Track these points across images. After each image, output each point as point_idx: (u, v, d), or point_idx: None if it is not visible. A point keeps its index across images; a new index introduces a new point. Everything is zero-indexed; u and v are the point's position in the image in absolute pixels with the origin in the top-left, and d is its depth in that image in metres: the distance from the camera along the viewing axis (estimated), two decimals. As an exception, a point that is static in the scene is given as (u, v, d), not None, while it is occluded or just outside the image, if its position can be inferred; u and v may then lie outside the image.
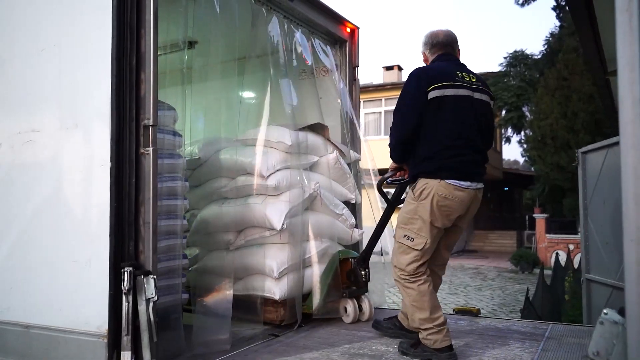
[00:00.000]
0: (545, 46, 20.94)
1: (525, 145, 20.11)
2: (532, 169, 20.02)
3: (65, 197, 2.77)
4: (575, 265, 11.23)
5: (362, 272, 3.79)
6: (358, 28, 4.75)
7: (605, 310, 1.47)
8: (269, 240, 3.76)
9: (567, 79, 17.49)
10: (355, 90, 4.78)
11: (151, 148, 2.64)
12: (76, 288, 2.67)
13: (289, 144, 3.77)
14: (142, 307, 2.47)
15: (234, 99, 4.22)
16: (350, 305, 3.80)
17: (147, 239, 2.62)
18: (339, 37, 4.64)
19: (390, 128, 3.01)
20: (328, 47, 4.49)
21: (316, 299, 3.74)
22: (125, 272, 2.49)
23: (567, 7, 19.73)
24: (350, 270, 3.84)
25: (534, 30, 55.25)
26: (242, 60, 4.03)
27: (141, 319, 2.47)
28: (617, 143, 4.52)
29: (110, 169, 2.57)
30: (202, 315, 3.28)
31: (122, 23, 2.62)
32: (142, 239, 2.63)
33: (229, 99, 4.22)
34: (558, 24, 21.06)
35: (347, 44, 4.71)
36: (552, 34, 20.64)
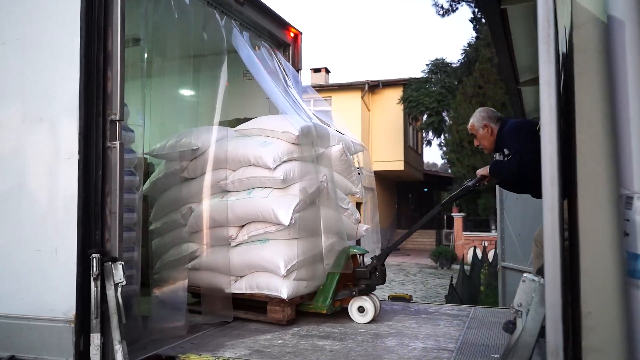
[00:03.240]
0: (463, 55, 22.19)
1: (444, 148, 21.23)
2: (450, 170, 21.18)
3: (29, 189, 2.84)
4: (490, 259, 12.15)
5: (382, 269, 3.69)
6: (301, 33, 5.03)
7: (525, 274, 1.84)
8: (274, 235, 3.62)
9: (482, 87, 18.70)
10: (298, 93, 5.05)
11: (117, 142, 2.79)
12: (42, 277, 2.75)
13: (296, 134, 3.60)
14: (110, 292, 2.62)
15: (186, 95, 4.34)
16: (369, 303, 3.62)
17: (114, 228, 2.76)
18: (283, 41, 4.90)
19: (516, 161, 3.18)
20: (273, 49, 4.72)
21: (325, 298, 3.64)
22: (94, 259, 2.62)
23: (483, 21, 21.06)
24: (361, 267, 3.74)
25: (454, 39, 58.07)
26: (195, 58, 4.16)
27: (110, 302, 2.61)
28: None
29: (78, 161, 2.69)
30: (159, 304, 3.41)
31: (91, 22, 2.74)
32: (108, 228, 2.77)
33: (181, 95, 4.33)
34: (475, 35, 22.43)
35: (291, 47, 4.98)
36: (469, 45, 21.90)
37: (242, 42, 4.04)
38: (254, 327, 3.51)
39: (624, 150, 1.47)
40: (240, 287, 3.66)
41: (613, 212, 1.51)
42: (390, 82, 23.15)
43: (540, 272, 1.68)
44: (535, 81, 9.36)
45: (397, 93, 22.63)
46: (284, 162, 3.63)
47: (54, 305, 2.69)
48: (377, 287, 3.82)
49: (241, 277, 3.70)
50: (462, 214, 20.14)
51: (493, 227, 19.57)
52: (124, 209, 2.99)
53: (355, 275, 3.73)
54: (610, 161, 1.52)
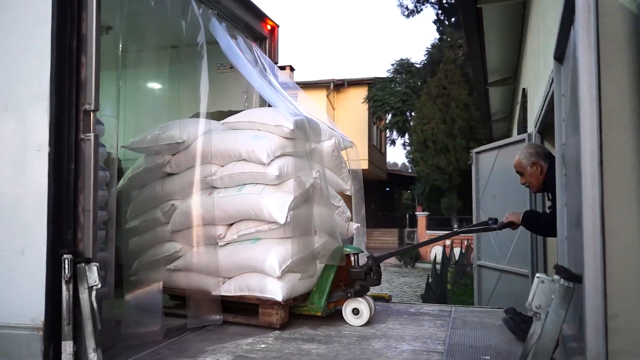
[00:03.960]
0: (427, 56, 22.46)
1: (408, 148, 21.43)
2: (414, 169, 21.39)
3: (-9, 183, 2.60)
4: (457, 258, 12.29)
5: (377, 270, 3.55)
6: (278, 26, 4.88)
7: (539, 274, 1.76)
8: (266, 234, 3.42)
9: (446, 88, 18.95)
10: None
11: (92, 134, 2.59)
12: (7, 280, 2.53)
13: (290, 128, 3.40)
14: (84, 296, 2.42)
15: (162, 87, 4.13)
16: (364, 305, 3.47)
17: (87, 227, 2.56)
18: (260, 33, 4.74)
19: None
20: (250, 42, 4.56)
21: (319, 300, 3.46)
22: (66, 260, 2.42)
23: (447, 23, 21.35)
24: (356, 268, 3.58)
25: (418, 40, 58.84)
26: (172, 48, 3.98)
27: (83, 307, 2.41)
28: (507, 144, 5.13)
29: (49, 154, 2.48)
30: (133, 308, 3.21)
31: (63, 4, 2.53)
32: (81, 226, 2.57)
33: (157, 87, 4.12)
34: (438, 36, 22.75)
35: (267, 41, 4.82)
36: (433, 46, 22.18)
37: (221, 31, 3.86)
38: (234, 331, 3.35)
39: (656, 145, 1.40)
40: (229, 289, 3.44)
41: (643, 211, 1.43)
42: (356, 81, 23.19)
43: (559, 271, 1.60)
44: (502, 82, 9.51)
45: (362, 92, 22.68)
46: (277, 157, 3.44)
47: (21, 310, 2.47)
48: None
49: (229, 278, 3.50)
50: (426, 213, 20.35)
51: (455, 226, 19.85)
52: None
53: (349, 276, 3.57)
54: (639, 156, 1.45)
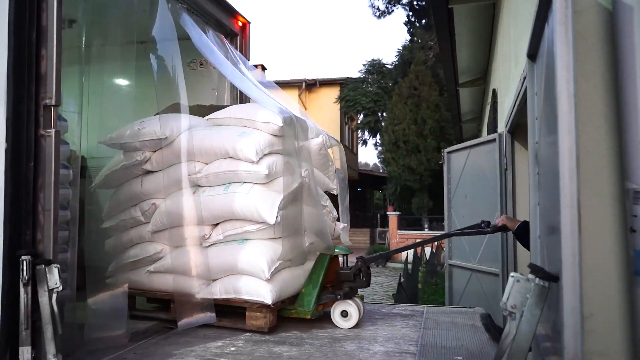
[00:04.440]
0: (397, 57, 22.63)
1: (380, 148, 21.53)
2: (386, 169, 21.49)
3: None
4: (427, 258, 12.38)
5: (367, 272, 3.45)
6: (249, 23, 4.80)
7: (513, 273, 1.73)
8: (254, 235, 3.29)
9: (417, 89, 19.09)
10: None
11: (53, 130, 2.48)
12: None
13: (279, 125, 3.28)
14: (44, 299, 2.31)
15: (128, 83, 4.00)
16: (353, 307, 3.38)
17: (47, 227, 2.45)
18: (231, 29, 4.65)
19: None
20: (221, 36, 4.46)
21: (308, 302, 3.35)
22: (24, 262, 2.30)
23: (417, 25, 21.54)
24: (345, 269, 3.50)
25: (390, 41, 59.37)
26: (139, 44, 3.85)
27: (43, 311, 2.30)
28: (478, 144, 5.16)
29: (6, 150, 2.35)
30: (97, 311, 3.09)
31: (22, -7, 2.41)
32: (40, 227, 2.45)
33: (124, 83, 3.99)
34: (409, 38, 22.93)
35: (238, 37, 4.74)
36: (404, 47, 22.34)
37: (193, 26, 3.75)
38: (203, 333, 3.26)
39: (631, 142, 1.39)
40: (214, 291, 3.28)
41: (618, 209, 1.43)
42: (328, 81, 23.20)
43: (534, 271, 1.58)
44: (472, 83, 9.61)
45: (334, 92, 22.70)
46: (265, 155, 3.31)
47: (-26, 315, 2.34)
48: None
49: (214, 280, 3.34)
50: (397, 213, 20.46)
51: (426, 226, 20.04)
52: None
53: (338, 278, 3.47)
54: (615, 154, 1.43)
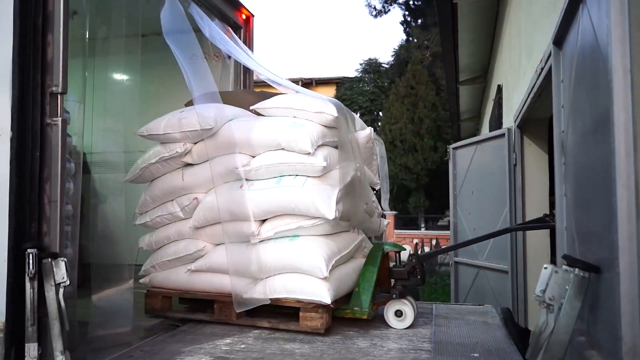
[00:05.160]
0: (394, 57, 22.62)
1: (377, 147, 21.48)
2: (382, 169, 21.41)
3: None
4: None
5: (421, 269, 3.28)
6: (253, 16, 4.72)
7: (546, 265, 1.67)
8: (306, 231, 3.07)
9: (414, 88, 19.06)
10: (249, 78, 4.74)
11: (59, 118, 2.39)
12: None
13: (334, 115, 3.07)
14: (50, 294, 2.22)
15: (135, 76, 3.88)
16: (408, 307, 3.21)
17: (54, 220, 2.36)
18: (234, 22, 4.56)
19: None
20: (226, 27, 4.37)
21: (365, 301, 3.15)
22: (30, 255, 2.22)
23: (413, 24, 21.52)
24: (399, 267, 3.31)
25: (386, 40, 59.35)
26: (143, 37, 3.75)
27: (50, 306, 2.21)
28: (485, 140, 5.10)
29: (11, 139, 2.27)
30: (101, 309, 2.99)
31: (28, -23, 2.32)
32: (46, 219, 2.36)
33: (130, 76, 3.87)
34: (405, 37, 22.93)
35: (242, 30, 4.65)
36: (400, 46, 22.33)
37: (202, 17, 3.65)
38: (210, 331, 3.17)
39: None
40: (263, 291, 3.07)
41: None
42: (324, 80, 23.09)
43: (573, 262, 1.51)
44: (473, 80, 9.58)
45: (330, 91, 22.60)
46: (319, 146, 3.10)
47: (-23, 311, 2.25)
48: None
49: (261, 279, 3.13)
50: (394, 212, 20.40)
51: (422, 225, 20.00)
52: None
53: (391, 276, 3.28)
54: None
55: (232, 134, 3.19)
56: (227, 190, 3.18)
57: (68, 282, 2.25)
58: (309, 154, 3.03)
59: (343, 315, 3.17)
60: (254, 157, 3.23)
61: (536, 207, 4.26)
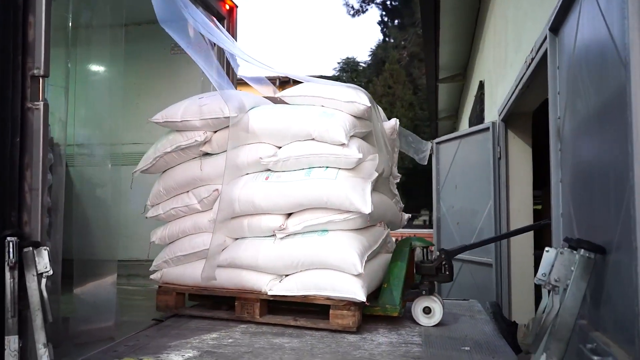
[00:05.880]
0: (371, 56, 22.72)
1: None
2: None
3: None
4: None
5: (450, 265, 3.17)
6: (237, 6, 4.64)
7: (547, 248, 1.65)
8: (337, 226, 2.92)
9: (392, 87, 19.17)
10: (233, 71, 4.65)
11: (41, 102, 2.28)
12: None
13: (366, 105, 2.93)
14: (32, 284, 2.12)
15: (118, 68, 3.73)
16: (437, 303, 3.11)
17: (35, 208, 2.25)
18: (218, 12, 4.47)
19: None
20: (212, 19, 4.27)
21: (396, 298, 3.04)
22: (10, 244, 2.11)
23: (391, 25, 21.63)
24: (427, 262, 3.20)
25: (364, 40, 59.48)
26: (128, 27, 3.61)
27: (32, 297, 2.11)
28: (469, 134, 5.11)
29: (-11, 124, 2.16)
30: (84, 304, 2.89)
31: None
32: (27, 208, 2.25)
33: (112, 67, 3.72)
34: (382, 37, 23.07)
35: (226, 21, 4.56)
36: (378, 46, 22.44)
37: (189, 4, 3.52)
38: (195, 325, 3.09)
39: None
40: (290, 288, 2.94)
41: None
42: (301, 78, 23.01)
43: (579, 242, 1.49)
44: (452, 78, 9.65)
45: (307, 90, 22.55)
46: (351, 137, 2.95)
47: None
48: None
49: (287, 275, 3.00)
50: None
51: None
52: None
53: (419, 271, 3.17)
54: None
55: (256, 122, 3.02)
56: (251, 182, 3.02)
57: (51, 272, 2.15)
58: (342, 145, 2.87)
59: (372, 312, 3.05)
60: (278, 147, 3.07)
61: (520, 200, 4.29)
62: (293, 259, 2.91)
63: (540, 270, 1.63)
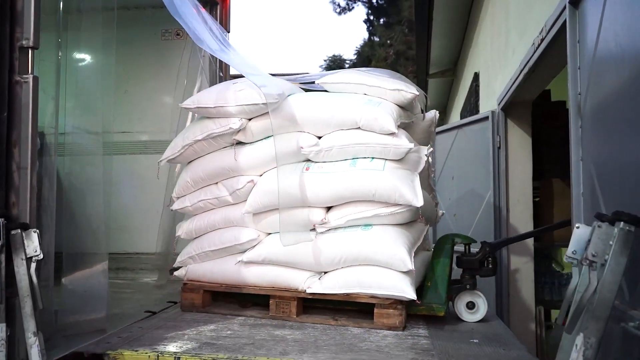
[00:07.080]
0: (357, 54, 22.73)
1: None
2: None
3: None
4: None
5: (494, 258, 3.10)
6: (230, -8, 4.51)
7: (577, 224, 1.56)
8: (380, 220, 2.76)
9: (378, 86, 19.14)
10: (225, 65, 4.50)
11: (30, 75, 2.13)
12: None
13: (414, 94, 2.80)
14: (21, 269, 1.97)
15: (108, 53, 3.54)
16: (481, 298, 2.99)
17: (23, 188, 2.10)
18: (210, -3, 4.33)
19: None
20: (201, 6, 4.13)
21: (441, 295, 2.89)
22: (-2, 226, 1.96)
23: (382, 21, 21.65)
24: (469, 256, 3.09)
25: (350, 37, 59.58)
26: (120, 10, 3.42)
27: (21, 282, 1.96)
28: (467, 124, 5.04)
29: (-25, 98, 2.01)
30: (73, 295, 2.72)
31: None
32: (15, 187, 2.10)
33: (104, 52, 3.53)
34: (367, 35, 23.08)
35: (218, 7, 4.42)
36: (364, 44, 22.45)
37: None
38: (191, 317, 2.96)
39: None
40: (330, 285, 2.78)
41: None
42: (287, 75, 22.91)
43: (618, 215, 1.40)
44: (442, 74, 9.62)
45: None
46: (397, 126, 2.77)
47: None
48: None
49: (326, 273, 2.85)
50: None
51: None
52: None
53: (461, 265, 3.08)
54: None
55: (297, 110, 2.84)
56: (290, 172, 2.82)
57: (41, 256, 2.01)
58: (392, 134, 2.71)
59: (416, 312, 2.90)
60: (319, 136, 2.90)
61: (520, 190, 4.22)
62: (334, 255, 2.75)
63: (570, 248, 1.54)
